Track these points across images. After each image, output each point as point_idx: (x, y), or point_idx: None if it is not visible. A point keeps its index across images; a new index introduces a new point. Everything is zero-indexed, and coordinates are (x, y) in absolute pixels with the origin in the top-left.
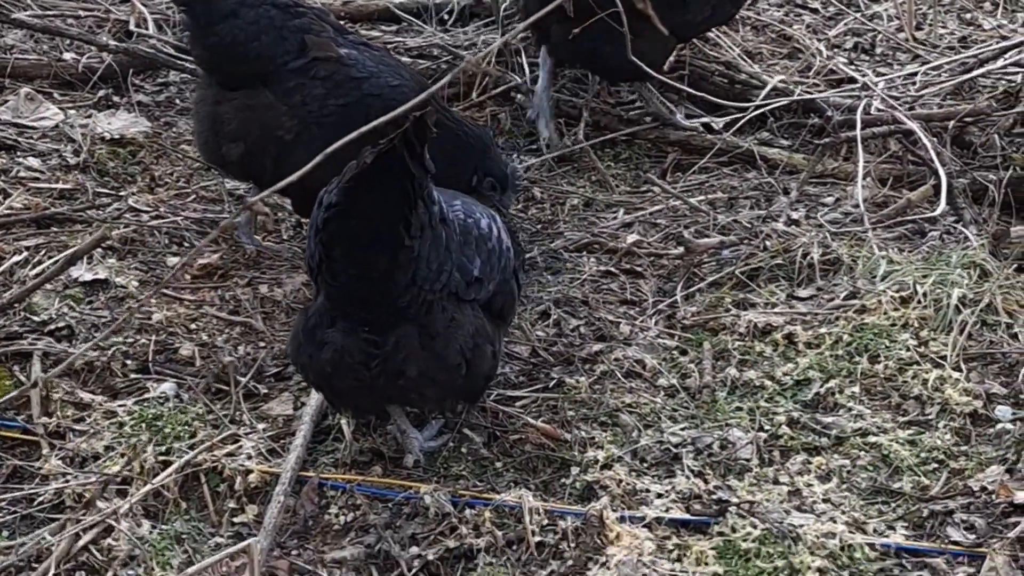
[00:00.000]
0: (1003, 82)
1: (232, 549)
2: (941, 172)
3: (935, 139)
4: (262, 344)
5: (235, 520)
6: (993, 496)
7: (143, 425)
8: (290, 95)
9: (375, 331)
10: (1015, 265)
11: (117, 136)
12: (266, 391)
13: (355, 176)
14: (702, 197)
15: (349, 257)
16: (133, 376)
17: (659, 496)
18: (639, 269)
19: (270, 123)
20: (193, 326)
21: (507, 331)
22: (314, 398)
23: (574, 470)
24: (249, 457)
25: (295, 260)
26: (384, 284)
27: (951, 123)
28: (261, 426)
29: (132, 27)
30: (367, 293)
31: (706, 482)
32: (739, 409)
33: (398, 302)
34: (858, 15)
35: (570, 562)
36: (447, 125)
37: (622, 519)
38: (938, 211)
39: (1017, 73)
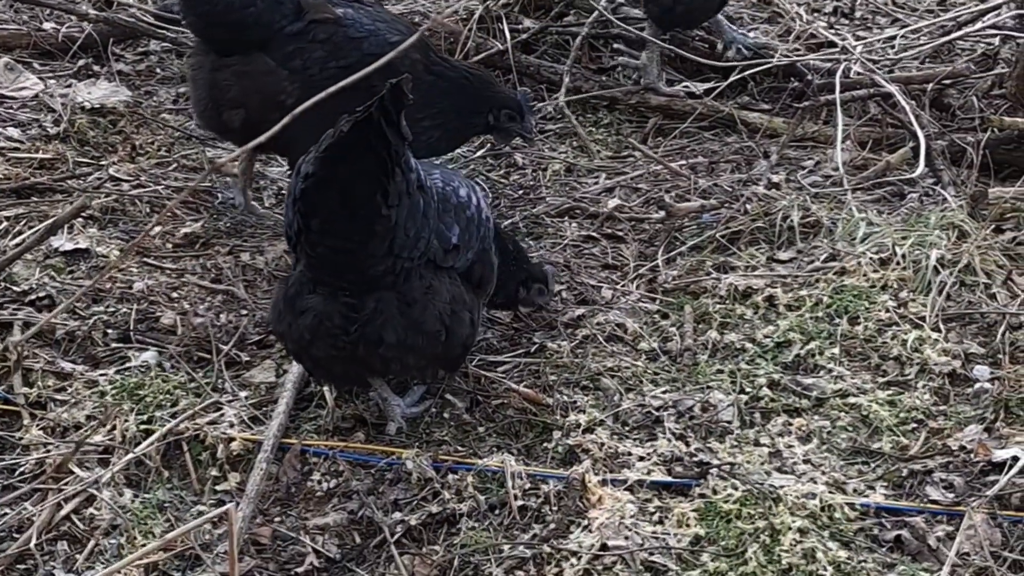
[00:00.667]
0: (981, 45)
1: (211, 514)
2: (920, 134)
3: (914, 102)
4: (244, 312)
5: (217, 488)
6: (971, 455)
7: (124, 394)
8: (290, 59)
9: (354, 295)
10: (993, 226)
11: (97, 105)
12: (248, 359)
13: (331, 145)
14: (683, 161)
15: (327, 227)
16: (114, 345)
17: (641, 459)
18: (620, 233)
19: (271, 88)
20: (175, 295)
21: (485, 300)
22: (297, 366)
23: (556, 434)
24: (231, 425)
25: (277, 228)
26: (362, 253)
27: (930, 86)
28: (243, 394)
29: None
30: (345, 262)
31: (687, 444)
32: (720, 372)
33: (374, 271)
34: None
35: (552, 525)
36: (449, 75)
37: (604, 482)
38: (917, 173)
39: (995, 35)
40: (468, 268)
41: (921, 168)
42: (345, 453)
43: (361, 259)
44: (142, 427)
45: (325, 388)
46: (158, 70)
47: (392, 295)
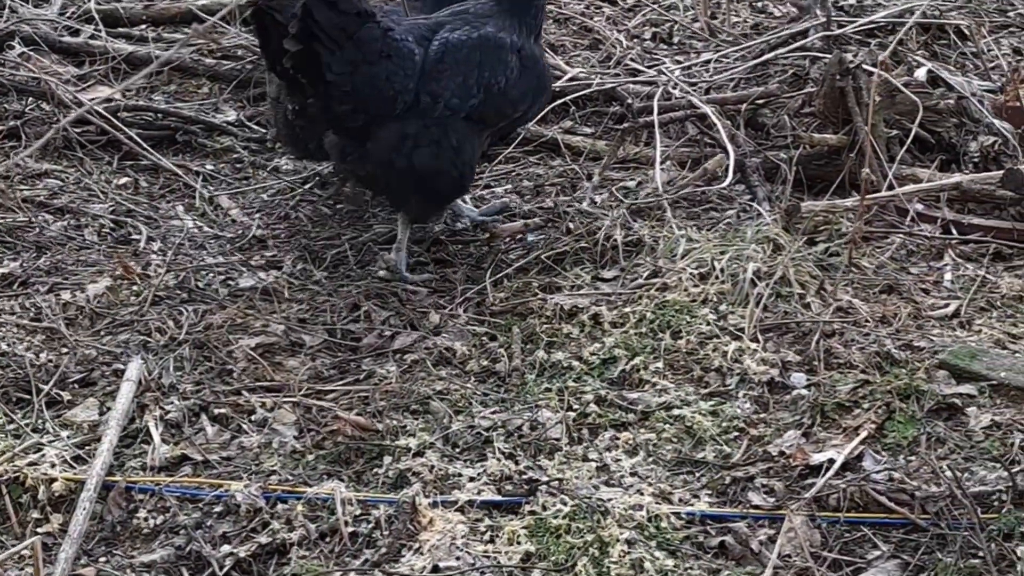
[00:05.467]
0: (792, 66)
1: (15, 548)
2: (731, 151)
3: (729, 122)
4: (65, 350)
5: (39, 531)
6: (790, 460)
7: None
8: None
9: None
10: (806, 238)
11: None
12: (70, 398)
13: (287, 38)
14: (508, 186)
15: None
16: None
17: (471, 480)
18: (448, 258)
19: None
20: None
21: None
22: (120, 402)
23: (387, 459)
24: (53, 465)
25: (100, 264)
26: (330, 111)
27: (744, 106)
28: (65, 433)
29: None
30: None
31: (517, 463)
32: (548, 390)
33: (352, 125)
34: (655, 6)
35: (383, 550)
36: None
37: (435, 504)
38: (725, 183)
39: (805, 57)
40: (474, 110)
41: (730, 178)
42: (172, 488)
43: (335, 117)
44: None
45: (151, 424)
46: None
47: (383, 137)
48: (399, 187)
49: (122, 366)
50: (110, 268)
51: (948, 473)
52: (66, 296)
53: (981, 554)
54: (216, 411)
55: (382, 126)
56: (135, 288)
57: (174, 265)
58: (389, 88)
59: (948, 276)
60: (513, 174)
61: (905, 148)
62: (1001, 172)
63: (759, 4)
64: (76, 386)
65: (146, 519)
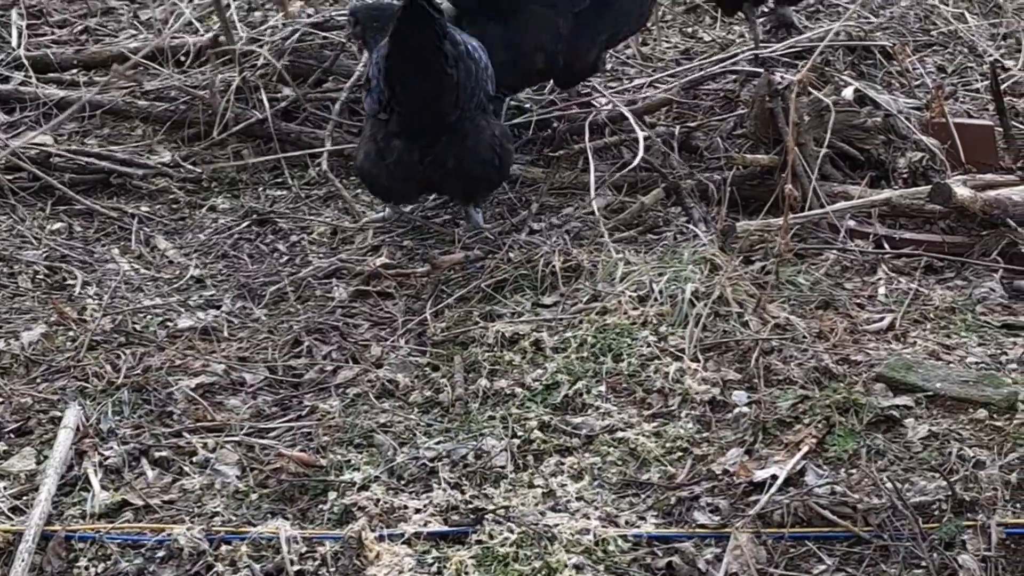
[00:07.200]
0: (723, 89)
1: None
2: (640, 137)
3: (663, 144)
4: (0, 399)
5: None
6: (734, 478)
7: None
8: None
9: (428, 140)
10: (742, 257)
11: None
12: (6, 447)
13: (396, 28)
14: (447, 216)
15: (408, 90)
16: None
17: (417, 511)
18: (389, 290)
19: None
20: None
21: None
22: (58, 450)
23: (331, 495)
24: None
25: (34, 311)
26: (436, 106)
27: (677, 129)
28: (1, 484)
29: None
30: (424, 114)
31: (463, 493)
32: (492, 418)
33: (447, 119)
34: None
35: None
36: None
37: (381, 538)
38: (649, 197)
39: (735, 79)
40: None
41: (638, 160)
42: (113, 535)
43: (436, 111)
44: None
45: (90, 470)
46: None
47: (455, 136)
48: (484, 178)
49: (59, 413)
50: (45, 315)
51: (888, 485)
52: (0, 344)
53: (924, 564)
54: (157, 454)
55: (473, 124)
56: (71, 334)
57: (110, 309)
58: (477, 85)
59: (882, 290)
60: (452, 204)
61: (835, 165)
62: (929, 187)
63: (689, 29)
64: (12, 435)
65: (87, 568)
